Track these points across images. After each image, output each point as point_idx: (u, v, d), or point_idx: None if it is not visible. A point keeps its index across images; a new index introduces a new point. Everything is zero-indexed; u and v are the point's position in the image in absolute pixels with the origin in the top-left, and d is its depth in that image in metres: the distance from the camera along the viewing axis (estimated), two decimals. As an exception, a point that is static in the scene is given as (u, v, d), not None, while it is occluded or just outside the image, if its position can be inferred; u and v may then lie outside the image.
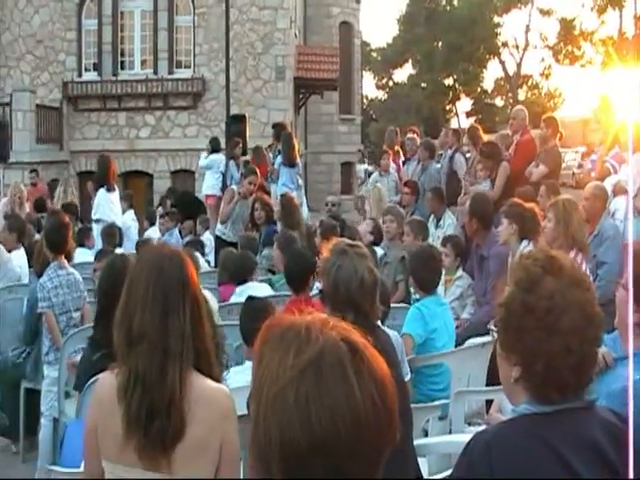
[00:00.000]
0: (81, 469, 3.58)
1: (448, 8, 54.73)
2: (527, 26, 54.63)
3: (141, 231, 14.17)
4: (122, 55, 24.93)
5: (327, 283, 3.73)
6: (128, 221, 13.20)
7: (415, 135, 14.83)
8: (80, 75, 24.82)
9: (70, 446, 4.05)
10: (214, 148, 16.74)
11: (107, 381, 2.88)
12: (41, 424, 6.41)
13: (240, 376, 4.15)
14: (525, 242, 6.99)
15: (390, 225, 9.03)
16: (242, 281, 6.78)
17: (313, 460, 1.50)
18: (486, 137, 12.24)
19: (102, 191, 11.77)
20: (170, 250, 3.02)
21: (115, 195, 12.18)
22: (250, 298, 5.11)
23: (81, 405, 4.33)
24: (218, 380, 2.99)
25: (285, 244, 7.70)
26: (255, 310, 4.77)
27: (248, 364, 4.52)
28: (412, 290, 7.98)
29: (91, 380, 4.19)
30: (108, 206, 11.79)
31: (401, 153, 14.88)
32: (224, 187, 14.70)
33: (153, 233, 13.31)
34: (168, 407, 2.74)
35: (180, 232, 13.37)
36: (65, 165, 24.04)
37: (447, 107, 58.89)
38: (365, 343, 1.59)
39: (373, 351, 1.60)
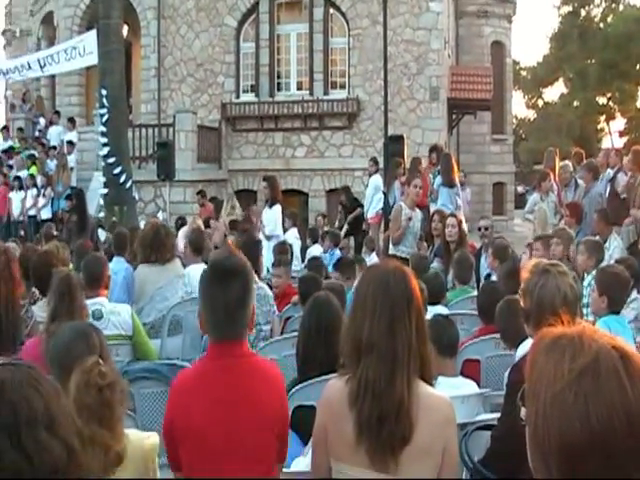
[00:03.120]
0: (290, 469, 3.85)
1: (602, 25, 53.59)
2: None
3: (303, 249, 14.55)
4: (279, 77, 25.59)
5: (530, 301, 3.87)
6: (291, 238, 13.56)
7: (568, 162, 14.67)
8: (238, 97, 25.64)
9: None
10: (377, 169, 17.05)
11: (337, 386, 3.09)
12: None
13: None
14: None
15: (556, 248, 9.03)
16: (435, 302, 6.91)
17: (590, 454, 1.67)
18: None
19: (277, 208, 12.15)
20: (395, 266, 3.23)
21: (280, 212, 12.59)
22: (438, 315, 5.34)
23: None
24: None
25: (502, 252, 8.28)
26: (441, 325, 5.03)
27: (440, 379, 4.72)
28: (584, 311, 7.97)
29: (307, 382, 4.45)
30: (280, 223, 12.18)
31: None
32: (386, 208, 14.96)
33: (315, 251, 13.63)
34: (397, 414, 2.93)
35: (341, 250, 13.67)
36: (223, 183, 24.83)
37: (599, 126, 57.72)
38: (631, 350, 1.76)
39: (638, 357, 1.76)
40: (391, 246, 11.42)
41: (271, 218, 12.17)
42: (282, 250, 10.25)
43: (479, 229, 11.58)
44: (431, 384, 3.13)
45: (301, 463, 3.79)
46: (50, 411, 1.71)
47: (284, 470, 3.82)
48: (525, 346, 4.20)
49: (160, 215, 19.53)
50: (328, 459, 3.09)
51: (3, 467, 1.62)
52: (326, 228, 15.95)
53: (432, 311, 6.12)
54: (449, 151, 19.68)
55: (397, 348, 2.99)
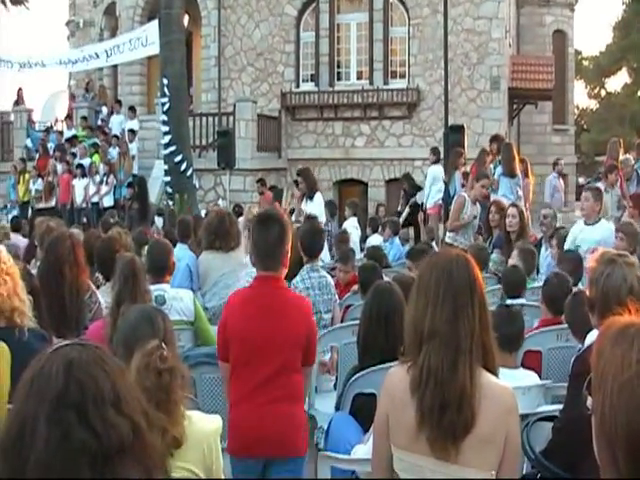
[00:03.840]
0: (350, 456, 3.86)
1: (668, 13, 52.45)
2: None
3: (363, 238, 14.56)
4: (338, 66, 25.53)
5: (596, 291, 3.83)
6: (350, 227, 13.55)
7: (629, 155, 14.41)
8: (298, 86, 25.65)
9: (335, 435, 4.33)
10: (437, 159, 16.97)
11: (399, 374, 3.09)
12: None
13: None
14: None
15: (619, 244, 8.87)
16: (515, 296, 6.83)
17: None
18: None
19: (317, 198, 12.17)
20: (457, 254, 3.21)
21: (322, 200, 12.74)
22: (504, 306, 5.31)
23: (344, 399, 4.62)
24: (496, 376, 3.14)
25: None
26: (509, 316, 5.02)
27: (501, 370, 4.68)
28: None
29: (368, 370, 4.46)
30: (323, 211, 12.21)
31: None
32: (446, 198, 14.90)
33: (375, 240, 13.61)
34: (459, 402, 2.91)
35: (401, 239, 13.66)
36: (283, 172, 24.91)
37: (663, 117, 56.64)
38: None
39: None
40: (448, 233, 11.37)
41: (314, 209, 12.18)
42: (343, 239, 10.23)
43: (539, 217, 11.48)
44: (495, 374, 3.10)
45: (361, 450, 3.80)
46: (117, 390, 1.74)
47: (345, 457, 3.84)
48: (591, 337, 4.16)
49: (220, 203, 19.69)
50: (389, 446, 3.09)
51: (72, 444, 1.65)
52: (385, 219, 15.92)
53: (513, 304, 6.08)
54: (509, 141, 19.47)
55: (460, 336, 2.98)
